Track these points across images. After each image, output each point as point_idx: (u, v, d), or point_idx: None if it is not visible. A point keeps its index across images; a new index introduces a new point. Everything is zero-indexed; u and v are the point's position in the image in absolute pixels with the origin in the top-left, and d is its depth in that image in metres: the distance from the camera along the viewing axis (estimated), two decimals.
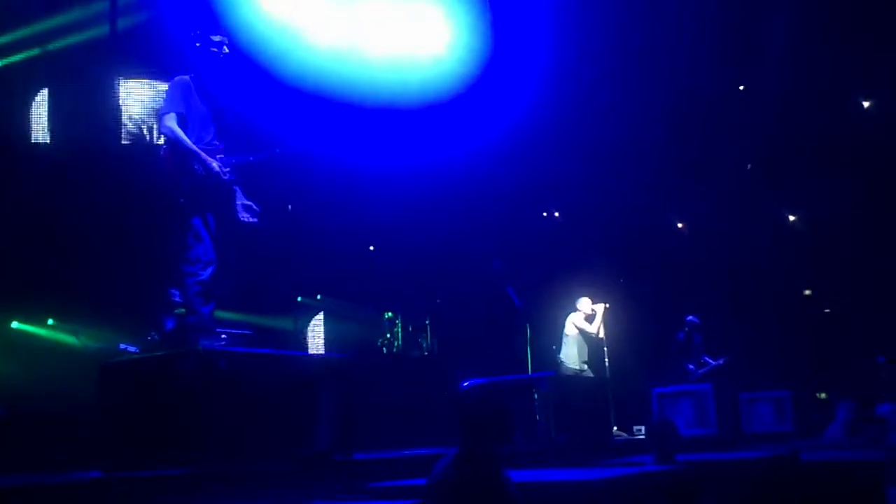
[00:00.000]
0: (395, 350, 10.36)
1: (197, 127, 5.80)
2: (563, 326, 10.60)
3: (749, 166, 13.90)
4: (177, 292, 7.58)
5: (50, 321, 8.41)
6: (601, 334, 10.60)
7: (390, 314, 10.51)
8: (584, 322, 10.52)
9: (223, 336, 6.09)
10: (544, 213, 14.50)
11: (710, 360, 11.26)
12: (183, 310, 6.23)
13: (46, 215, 8.92)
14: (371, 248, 12.15)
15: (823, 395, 13.19)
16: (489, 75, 11.21)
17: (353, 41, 10.62)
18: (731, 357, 11.24)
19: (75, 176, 9.31)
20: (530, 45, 11.15)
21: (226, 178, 5.78)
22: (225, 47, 5.91)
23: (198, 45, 5.87)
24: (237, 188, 5.94)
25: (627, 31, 11.74)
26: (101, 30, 9.51)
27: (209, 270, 5.77)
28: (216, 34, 5.91)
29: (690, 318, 11.47)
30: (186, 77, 5.87)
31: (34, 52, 9.48)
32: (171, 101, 5.81)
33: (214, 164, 5.74)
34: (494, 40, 11.18)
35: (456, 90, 11.08)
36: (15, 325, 8.38)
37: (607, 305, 10.62)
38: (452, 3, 11.10)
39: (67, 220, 8.97)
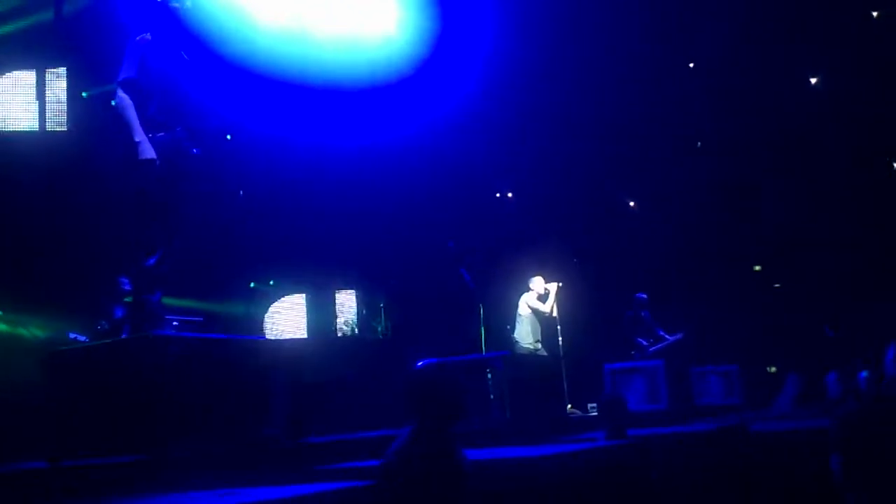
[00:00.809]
0: (350, 333, 10.35)
1: (151, 97, 5.48)
2: (517, 306, 10.68)
3: (699, 144, 14.09)
4: (126, 280, 7.49)
5: None
6: (554, 313, 10.69)
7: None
8: (537, 301, 10.61)
9: (174, 323, 6.03)
10: (497, 195, 14.56)
11: (667, 336, 11.43)
12: (131, 297, 6.14)
13: None
14: (324, 231, 12.08)
15: (773, 369, 13.48)
16: (438, 55, 11.21)
17: (301, 21, 10.52)
18: (687, 332, 11.42)
19: (19, 162, 9.11)
20: (478, 24, 11.17)
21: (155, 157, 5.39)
22: (176, 2, 5.62)
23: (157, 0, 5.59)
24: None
25: (573, 5, 11.78)
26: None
27: (157, 257, 5.67)
28: None
29: (639, 295, 11.63)
30: (147, 35, 5.55)
31: None
32: (125, 66, 5.45)
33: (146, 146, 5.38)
34: (443, 20, 11.17)
35: (406, 70, 11.08)
36: None
37: (560, 284, 10.71)
38: None
39: (11, 207, 8.78)
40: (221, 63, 9.06)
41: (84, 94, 9.69)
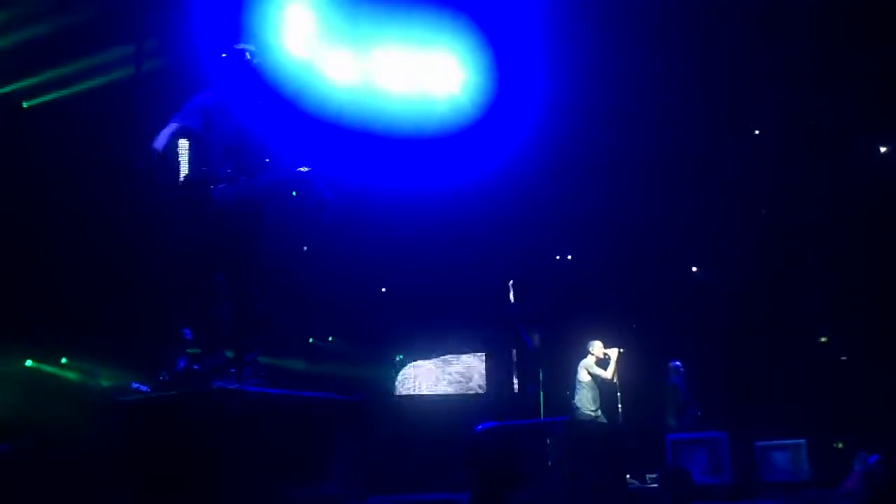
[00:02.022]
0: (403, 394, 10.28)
1: (215, 149, 5.57)
2: (576, 371, 10.51)
3: (763, 211, 13.86)
4: (189, 331, 7.58)
5: (63, 360, 8.43)
6: (615, 379, 10.50)
7: (401, 356, 10.47)
8: (596, 367, 10.43)
9: (234, 376, 6.05)
10: (557, 257, 14.48)
11: (693, 409, 11.10)
12: (195, 349, 6.19)
13: (58, 257, 8.96)
14: (383, 290, 12.14)
15: (840, 445, 12.97)
16: (500, 114, 11.44)
17: (370, 81, 10.93)
18: (705, 408, 11.07)
19: (89, 210, 9.38)
20: (538, 85, 11.40)
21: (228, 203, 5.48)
22: (252, 56, 5.75)
23: (224, 55, 5.71)
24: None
25: (637, 69, 11.84)
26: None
27: (221, 309, 5.73)
28: (243, 44, 5.82)
29: (673, 362, 11.35)
30: (209, 93, 5.69)
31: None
32: (184, 113, 5.54)
33: (216, 193, 5.47)
34: (502, 78, 11.49)
35: (467, 123, 11.38)
36: (29, 363, 8.39)
37: (621, 350, 10.53)
38: (463, 50, 11.43)
39: (77, 260, 9.02)
40: (295, 114, 9.31)
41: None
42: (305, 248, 8.61)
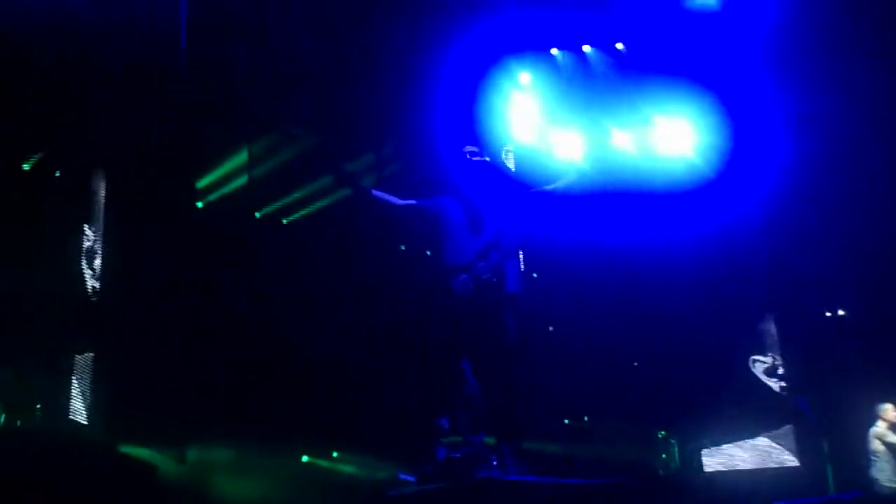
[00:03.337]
0: (671, 472, 9.83)
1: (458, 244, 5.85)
2: (869, 441, 9.46)
3: None
4: (446, 420, 7.72)
5: (335, 454, 8.87)
6: None
7: (663, 433, 10.03)
8: (891, 434, 9.32)
9: (494, 464, 6.02)
10: (828, 313, 13.28)
11: None
12: (456, 438, 6.26)
13: (326, 356, 9.55)
14: (635, 363, 11.75)
15: None
16: (734, 167, 11.15)
17: (599, 155, 11.13)
18: None
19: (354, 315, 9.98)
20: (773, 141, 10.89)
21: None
22: (475, 154, 6.01)
23: (472, 157, 5.99)
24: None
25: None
26: None
27: (477, 396, 5.78)
28: (474, 145, 6.09)
29: None
30: (441, 198, 6.00)
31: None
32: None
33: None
34: (736, 138, 11.26)
35: (700, 181, 11.28)
36: (305, 459, 8.91)
37: None
38: (696, 115, 11.39)
39: (344, 358, 9.56)
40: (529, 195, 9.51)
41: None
42: (551, 328, 8.62)
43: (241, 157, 10.12)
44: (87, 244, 8.86)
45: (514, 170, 9.75)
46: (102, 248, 8.73)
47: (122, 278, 8.84)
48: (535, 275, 9.59)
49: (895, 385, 10.13)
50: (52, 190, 8.77)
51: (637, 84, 11.02)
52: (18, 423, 7.61)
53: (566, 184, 6.23)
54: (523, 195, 6.14)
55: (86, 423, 8.14)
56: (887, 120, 10.95)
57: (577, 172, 6.74)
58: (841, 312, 13.24)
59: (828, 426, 9.12)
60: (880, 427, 9.36)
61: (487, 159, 6.06)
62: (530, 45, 10.35)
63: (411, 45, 9.48)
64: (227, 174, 10.22)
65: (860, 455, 9.43)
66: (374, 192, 5.98)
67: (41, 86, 8.21)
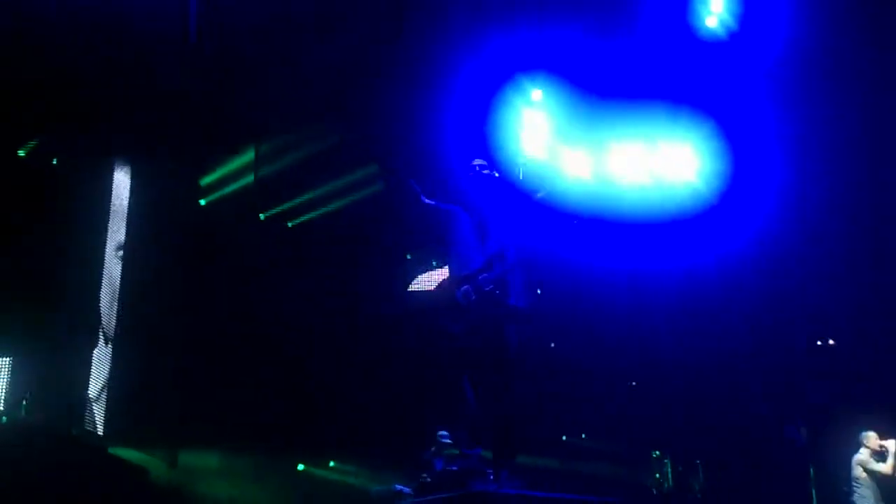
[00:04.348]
0: (664, 492, 9.83)
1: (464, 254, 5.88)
2: (851, 468, 9.51)
3: None
4: (446, 433, 7.71)
5: (332, 463, 8.84)
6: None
7: (658, 453, 10.03)
8: (872, 462, 9.38)
9: (491, 478, 6.02)
10: (818, 342, 13.35)
11: None
12: (454, 450, 6.26)
13: (324, 365, 9.52)
14: (632, 383, 11.78)
15: None
16: (735, 192, 11.22)
17: (607, 173, 11.22)
18: None
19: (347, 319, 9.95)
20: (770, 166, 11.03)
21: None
22: (483, 168, 6.05)
23: (481, 171, 6.03)
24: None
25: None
26: None
27: (476, 411, 5.77)
28: (482, 159, 6.13)
29: None
30: (455, 206, 6.02)
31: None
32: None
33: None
34: (736, 163, 11.32)
35: (704, 206, 11.31)
36: (301, 467, 8.87)
37: None
38: (698, 141, 11.48)
39: (341, 368, 9.52)
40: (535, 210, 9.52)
41: None
42: (553, 344, 8.65)
43: (248, 157, 10.09)
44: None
45: (523, 184, 9.78)
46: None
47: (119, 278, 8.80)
48: (539, 291, 9.59)
49: (880, 413, 10.21)
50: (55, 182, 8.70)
51: (643, 108, 11.12)
52: (4, 419, 7.49)
53: (547, 194, 6.20)
54: (528, 208, 6.16)
55: (78, 423, 8.05)
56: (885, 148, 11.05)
57: (554, 183, 6.74)
58: (831, 342, 13.35)
59: (814, 452, 9.13)
60: (863, 454, 9.46)
61: (496, 174, 6.07)
62: (542, 63, 10.43)
63: (426, 56, 9.52)
64: (232, 172, 10.17)
65: (844, 481, 9.51)
66: (412, 181, 5.96)
67: (49, 79, 8.17)
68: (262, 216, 10.49)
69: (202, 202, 10.10)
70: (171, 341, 8.75)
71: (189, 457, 8.51)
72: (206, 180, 10.07)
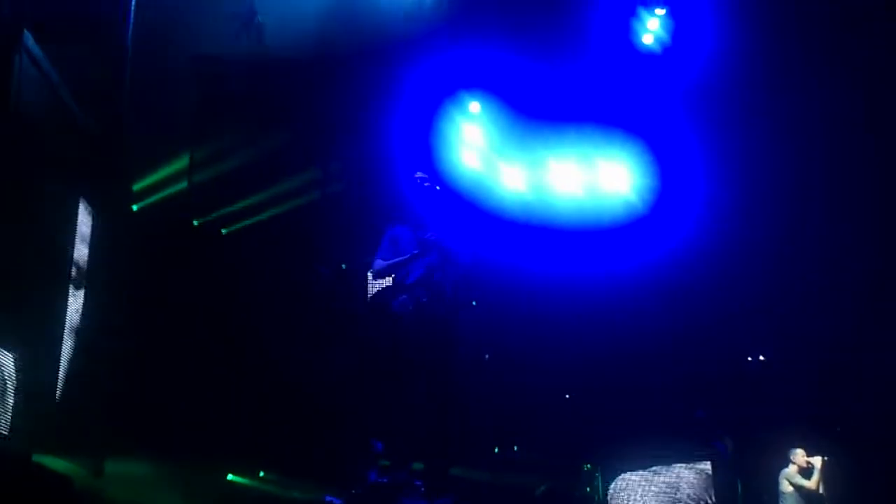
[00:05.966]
0: None
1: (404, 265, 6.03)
2: (778, 482, 9.81)
3: None
4: (380, 444, 7.68)
5: (261, 473, 8.71)
6: (820, 490, 9.70)
7: (589, 466, 10.14)
8: (799, 477, 9.71)
9: (422, 490, 6.02)
10: (749, 358, 13.68)
11: None
12: (386, 462, 6.25)
13: (253, 373, 9.39)
14: (567, 395, 11.90)
15: None
16: (664, 205, 11.72)
17: (545, 188, 11.62)
18: None
19: (278, 328, 9.84)
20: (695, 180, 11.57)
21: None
22: (425, 181, 6.21)
23: (424, 183, 6.18)
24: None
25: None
26: None
27: (410, 422, 5.79)
28: (425, 172, 6.30)
29: None
30: (400, 225, 6.21)
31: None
32: (381, 251, 6.16)
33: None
34: (665, 179, 11.88)
35: (636, 215, 11.88)
36: (230, 477, 8.73)
37: (825, 458, 9.76)
38: (630, 157, 11.94)
39: (272, 378, 9.40)
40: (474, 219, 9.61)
41: None
42: (487, 356, 8.70)
43: (182, 162, 9.94)
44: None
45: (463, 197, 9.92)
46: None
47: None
48: (474, 302, 9.69)
49: (810, 430, 10.53)
50: None
51: (577, 125, 11.39)
52: None
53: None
54: (468, 219, 6.32)
55: None
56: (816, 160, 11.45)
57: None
58: (761, 357, 13.68)
59: (742, 466, 9.39)
60: (790, 469, 9.81)
61: (438, 188, 6.15)
62: (480, 82, 10.62)
63: (368, 64, 9.56)
64: (166, 178, 10.00)
65: (771, 494, 9.80)
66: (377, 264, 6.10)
67: None
68: (195, 222, 10.35)
69: (134, 207, 9.90)
70: (97, 346, 8.52)
71: (116, 465, 8.30)
72: (139, 185, 9.89)
